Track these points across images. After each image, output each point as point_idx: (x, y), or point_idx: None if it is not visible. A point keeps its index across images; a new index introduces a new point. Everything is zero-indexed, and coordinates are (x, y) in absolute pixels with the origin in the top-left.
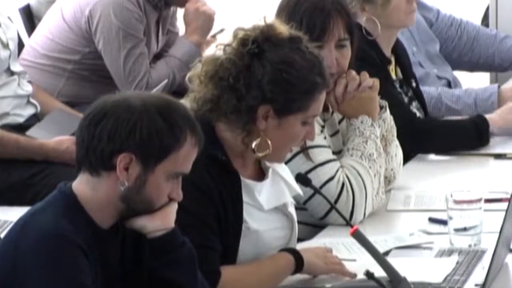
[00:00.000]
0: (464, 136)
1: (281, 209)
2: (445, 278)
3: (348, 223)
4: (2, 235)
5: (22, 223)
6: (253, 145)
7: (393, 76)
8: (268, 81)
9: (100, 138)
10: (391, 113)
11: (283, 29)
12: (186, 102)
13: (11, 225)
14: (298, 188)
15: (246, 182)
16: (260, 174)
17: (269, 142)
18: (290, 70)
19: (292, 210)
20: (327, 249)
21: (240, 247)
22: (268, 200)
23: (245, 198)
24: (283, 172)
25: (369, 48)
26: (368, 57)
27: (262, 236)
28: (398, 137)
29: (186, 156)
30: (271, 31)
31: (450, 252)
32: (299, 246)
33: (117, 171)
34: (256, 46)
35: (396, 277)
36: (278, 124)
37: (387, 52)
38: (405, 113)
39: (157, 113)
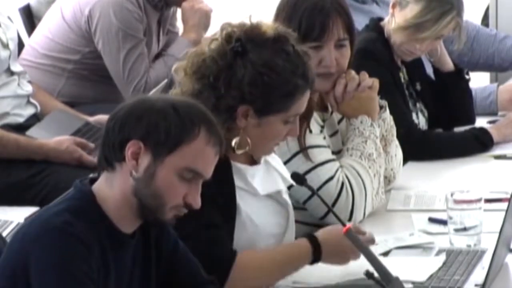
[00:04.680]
0: (465, 149)
1: (275, 197)
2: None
3: (343, 225)
4: (3, 235)
5: (35, 215)
6: (233, 143)
7: (402, 78)
8: (248, 83)
9: (113, 130)
10: (394, 121)
11: (269, 28)
12: (172, 95)
13: (11, 225)
14: (291, 179)
15: (238, 166)
16: (252, 161)
17: (249, 140)
18: (271, 73)
19: (286, 197)
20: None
21: (235, 233)
22: (262, 186)
23: (238, 182)
24: (275, 162)
25: (384, 50)
26: (383, 58)
27: (256, 222)
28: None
29: (199, 152)
30: (255, 30)
31: (450, 252)
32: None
33: (126, 160)
34: (239, 44)
35: (388, 277)
36: (258, 123)
37: (399, 59)
38: (407, 123)
39: (170, 107)
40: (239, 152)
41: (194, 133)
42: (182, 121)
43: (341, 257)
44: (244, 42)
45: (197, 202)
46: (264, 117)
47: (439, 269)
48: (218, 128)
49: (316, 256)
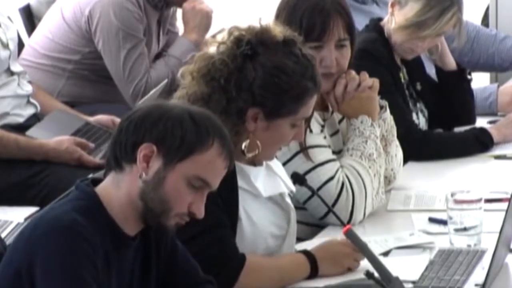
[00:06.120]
0: (465, 149)
1: (277, 200)
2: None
3: (343, 225)
4: (3, 235)
5: (40, 214)
6: (243, 146)
7: (402, 78)
8: (259, 85)
9: (127, 131)
10: (394, 121)
11: (278, 31)
12: (176, 97)
13: (11, 225)
14: (291, 185)
15: (241, 166)
16: (253, 163)
17: (258, 143)
18: (282, 76)
19: (289, 201)
20: (342, 243)
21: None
22: (265, 187)
23: (241, 183)
24: (276, 167)
25: (384, 50)
26: (383, 58)
27: (255, 223)
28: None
29: (210, 163)
30: (265, 33)
31: (450, 252)
32: (303, 246)
33: (137, 162)
34: (249, 47)
35: (388, 277)
36: (267, 126)
37: (398, 58)
38: (407, 123)
39: (187, 114)
40: (249, 155)
41: (208, 143)
42: (198, 130)
43: (337, 263)
44: (254, 45)
45: (200, 212)
46: (274, 120)
47: (439, 268)
48: (231, 144)
49: (313, 266)
